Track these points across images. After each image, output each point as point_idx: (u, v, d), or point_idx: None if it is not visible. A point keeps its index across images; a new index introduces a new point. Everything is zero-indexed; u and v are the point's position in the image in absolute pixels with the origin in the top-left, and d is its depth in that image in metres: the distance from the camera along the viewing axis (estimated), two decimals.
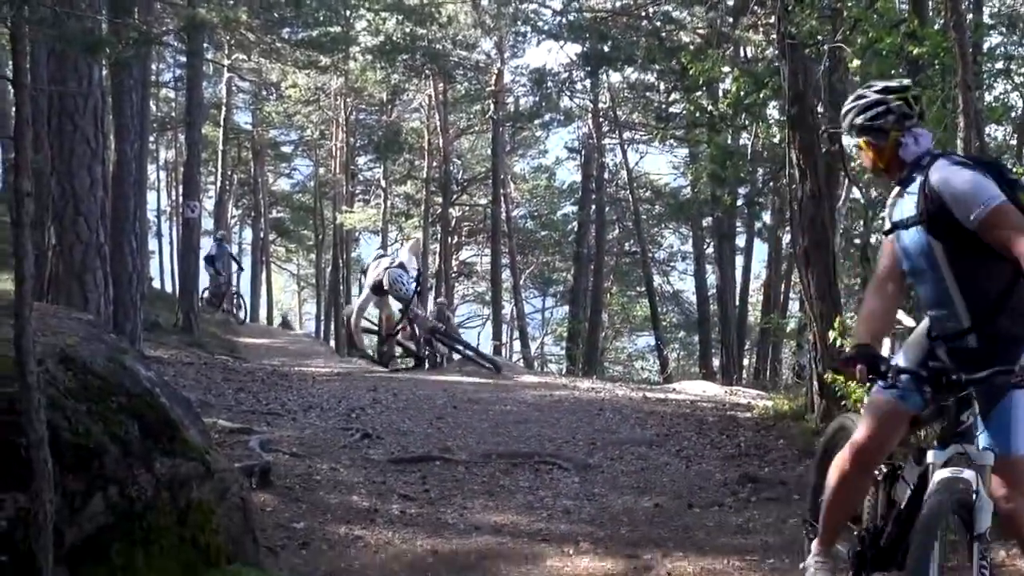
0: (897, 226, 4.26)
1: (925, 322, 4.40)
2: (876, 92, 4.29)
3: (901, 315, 4.66)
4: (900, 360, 4.32)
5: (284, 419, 9.84)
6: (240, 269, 28.46)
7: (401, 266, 16.23)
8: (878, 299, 4.39)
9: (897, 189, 4.30)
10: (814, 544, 4.69)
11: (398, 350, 17.04)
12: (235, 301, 27.77)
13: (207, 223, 36.49)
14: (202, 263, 24.37)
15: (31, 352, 4.19)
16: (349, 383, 12.92)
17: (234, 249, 38.05)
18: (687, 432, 10.07)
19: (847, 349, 4.30)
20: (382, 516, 6.87)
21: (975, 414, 3.98)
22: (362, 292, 17.39)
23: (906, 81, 4.43)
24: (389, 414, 10.48)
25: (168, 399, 5.21)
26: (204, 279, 25.87)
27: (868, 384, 4.34)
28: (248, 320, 27.88)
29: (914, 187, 4.14)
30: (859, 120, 4.30)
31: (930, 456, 4.06)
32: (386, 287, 16.00)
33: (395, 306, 16.69)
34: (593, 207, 36.45)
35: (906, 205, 4.20)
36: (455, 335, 19.88)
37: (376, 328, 17.30)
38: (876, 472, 4.47)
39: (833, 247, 9.96)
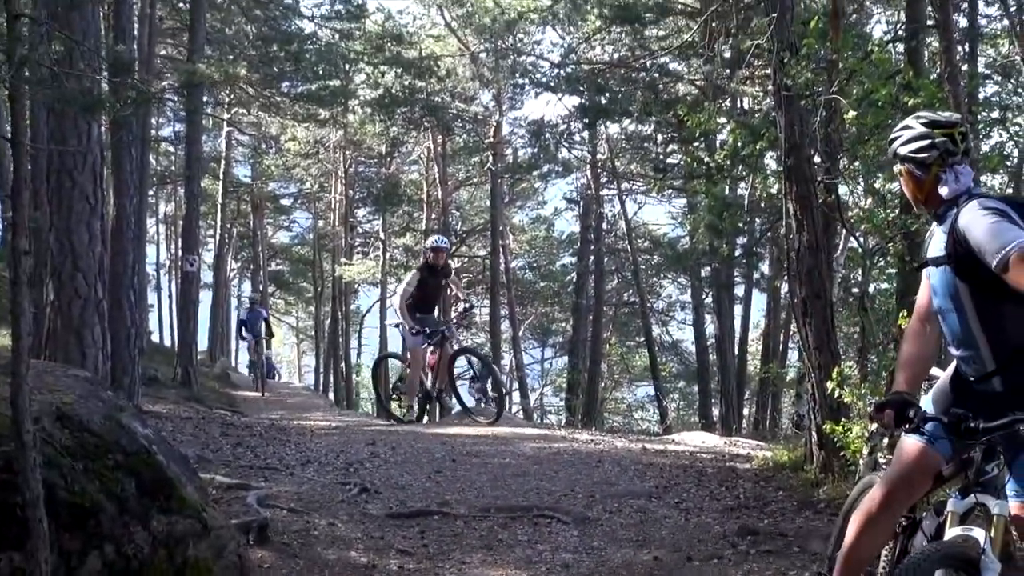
0: (928, 263, 4.25)
1: (951, 367, 4.39)
2: (923, 125, 4.25)
3: (935, 370, 4.62)
4: (929, 407, 4.32)
5: (282, 474, 9.81)
6: (270, 335, 27.38)
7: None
8: (914, 344, 4.39)
9: (934, 225, 4.31)
10: None
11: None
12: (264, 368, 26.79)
13: (206, 276, 36.56)
14: (233, 329, 24.86)
15: (27, 411, 4.20)
16: (347, 437, 12.88)
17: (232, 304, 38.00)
18: (686, 484, 10.03)
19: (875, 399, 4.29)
20: (380, 572, 6.83)
21: (1000, 465, 3.95)
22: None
23: (955, 116, 4.39)
24: (387, 468, 10.44)
25: (165, 456, 5.21)
26: (230, 340, 26.07)
27: (896, 432, 4.30)
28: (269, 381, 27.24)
29: (946, 226, 4.12)
30: (903, 150, 4.28)
31: (949, 505, 4.03)
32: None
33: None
34: (592, 257, 36.54)
35: (937, 243, 4.19)
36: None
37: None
38: (896, 524, 4.46)
39: (831, 297, 9.97)
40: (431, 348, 15.18)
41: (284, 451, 11.36)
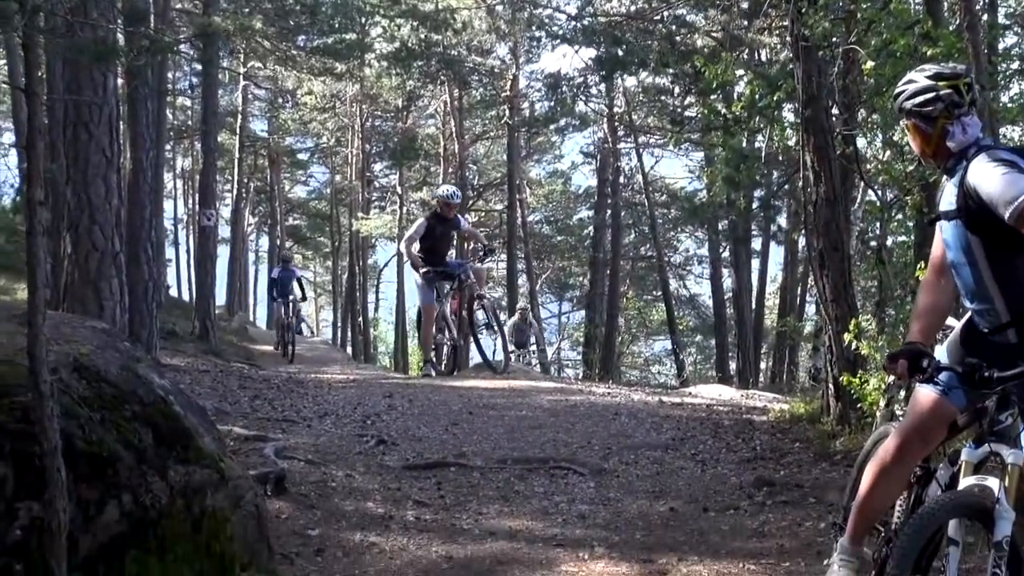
0: (940, 217, 4.22)
1: (965, 318, 4.36)
2: (927, 78, 4.20)
3: (951, 320, 4.60)
4: (943, 357, 4.29)
5: (299, 426, 9.85)
6: (303, 297, 26.09)
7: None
8: (930, 294, 4.38)
9: (944, 178, 4.27)
10: (840, 542, 4.65)
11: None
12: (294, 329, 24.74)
13: (224, 231, 36.63)
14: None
15: (44, 361, 4.21)
16: (364, 390, 12.92)
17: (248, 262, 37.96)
18: (703, 436, 10.05)
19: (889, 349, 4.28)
20: (397, 522, 6.87)
21: (1015, 414, 3.95)
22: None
23: (960, 68, 4.32)
24: (404, 420, 10.48)
25: (182, 407, 5.22)
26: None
27: (910, 381, 4.29)
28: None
29: (956, 179, 4.09)
30: (908, 104, 4.23)
31: (963, 454, 4.04)
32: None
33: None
34: (609, 211, 36.47)
35: (948, 196, 4.15)
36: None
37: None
38: (911, 474, 4.46)
39: (848, 250, 9.93)
40: (450, 293, 15.14)
41: (302, 404, 11.41)
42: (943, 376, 4.10)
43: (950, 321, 4.57)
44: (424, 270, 14.68)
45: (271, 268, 34.56)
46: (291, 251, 26.81)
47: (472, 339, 15.87)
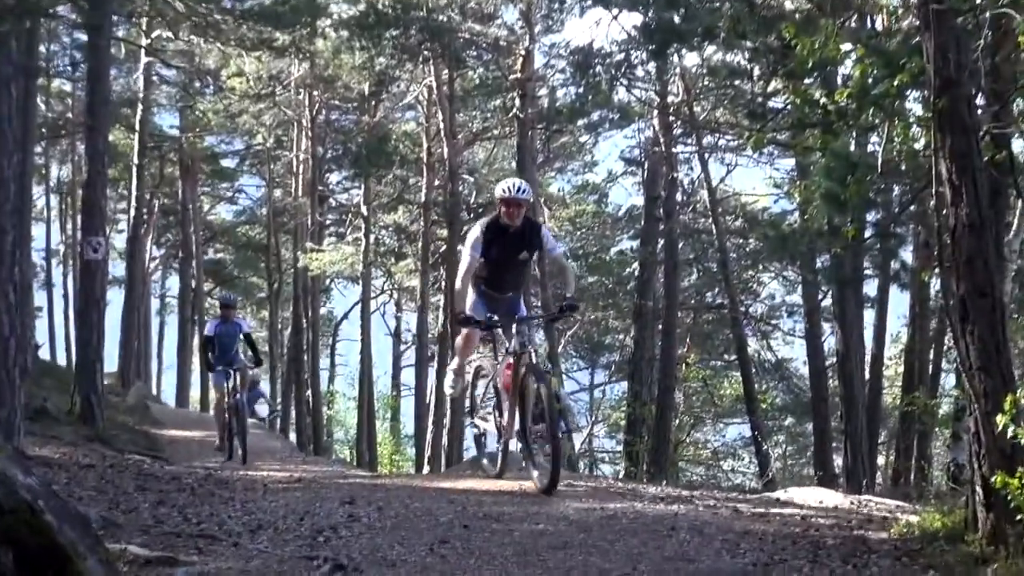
0: None
1: None
2: None
3: None
4: None
5: (222, 544, 9.81)
6: (256, 362, 24.38)
7: None
8: None
9: None
10: None
11: None
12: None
13: (117, 267, 36.69)
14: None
15: None
16: (315, 493, 12.89)
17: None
18: (796, 560, 9.98)
19: None
20: None
21: None
22: None
23: None
24: (372, 536, 10.42)
25: (56, 517, 5.20)
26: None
27: None
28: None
29: None
30: None
31: None
32: None
33: None
34: (661, 242, 36.47)
35: None
36: None
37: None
38: None
39: (1001, 296, 9.90)
40: (504, 359, 13.67)
41: (226, 512, 11.37)
42: None
43: None
44: (465, 315, 13.52)
45: (193, 317, 34.50)
46: (231, 296, 23.97)
47: (521, 435, 13.77)
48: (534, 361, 13.30)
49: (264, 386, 44.53)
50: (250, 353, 23.35)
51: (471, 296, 13.72)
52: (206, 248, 50.20)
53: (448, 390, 15.18)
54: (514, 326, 13.38)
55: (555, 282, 14.61)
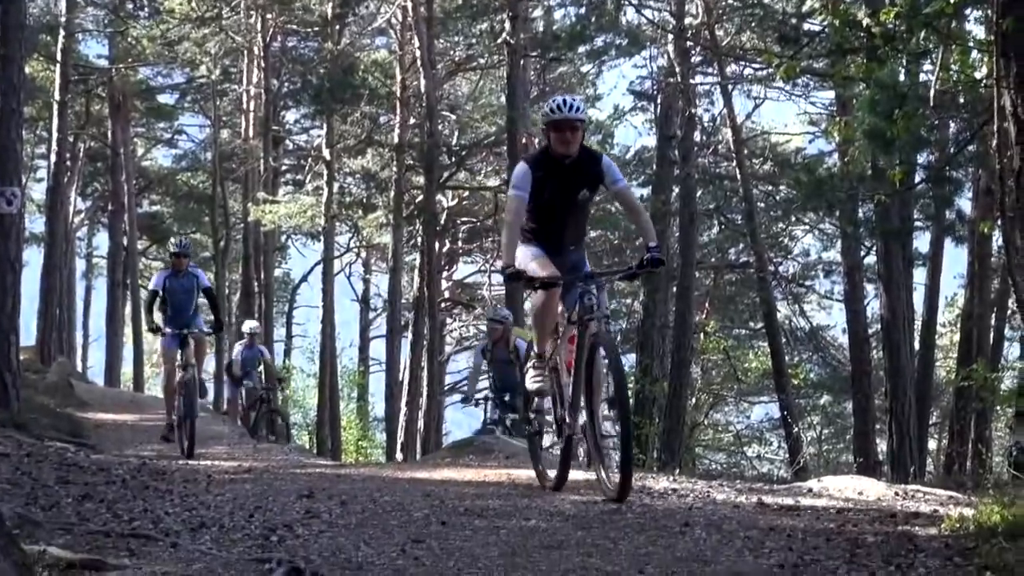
0: None
1: None
2: None
3: None
4: None
5: (159, 546, 9.81)
6: (217, 325, 22.89)
7: None
8: None
9: None
10: None
11: None
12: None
13: (34, 223, 36.60)
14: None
15: None
16: (268, 485, 12.91)
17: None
18: (831, 562, 10.00)
19: None
20: None
21: None
22: None
23: None
24: (333, 535, 10.42)
25: None
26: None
27: None
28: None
29: None
30: None
31: None
32: None
33: None
34: (676, 189, 36.46)
35: None
36: None
37: None
38: None
39: None
40: (569, 324, 12.62)
41: (162, 508, 11.38)
42: None
43: None
44: (515, 268, 12.22)
45: (125, 281, 34.35)
46: (186, 242, 22.28)
47: (590, 427, 12.70)
48: (604, 331, 12.09)
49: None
50: (211, 316, 22.40)
51: (525, 249, 12.51)
52: (140, 200, 50.12)
53: (533, 384, 13.18)
54: (579, 286, 12.24)
55: (633, 221, 12.12)
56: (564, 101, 12.16)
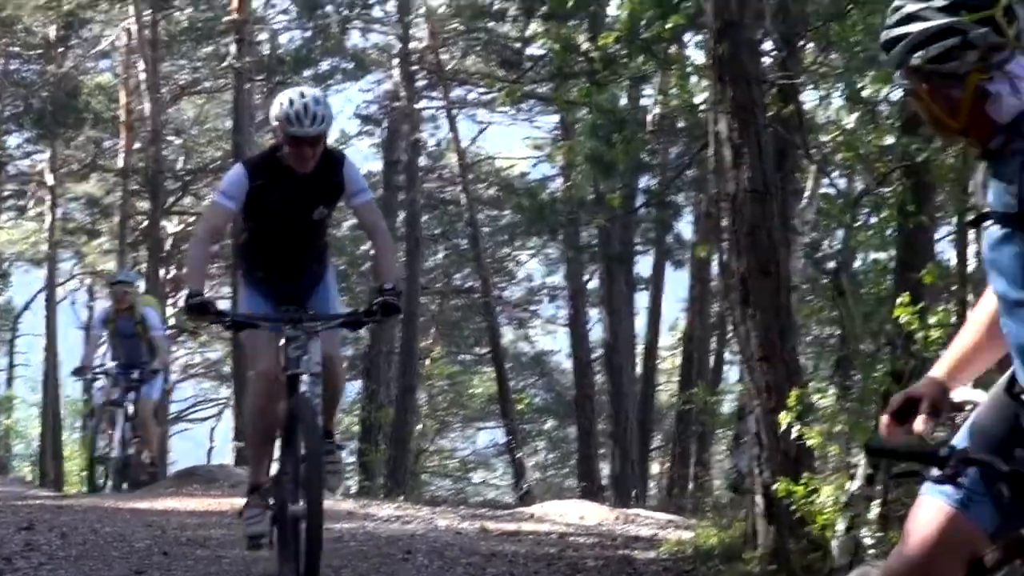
0: (983, 219, 4.09)
1: (1000, 384, 4.26)
2: (939, 10, 3.95)
3: (969, 392, 4.48)
4: (963, 438, 4.19)
5: None
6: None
7: None
8: (977, 324, 4.30)
9: (984, 165, 4.16)
10: None
11: None
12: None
13: None
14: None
15: None
16: None
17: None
18: None
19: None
20: None
21: None
22: None
23: None
24: (53, 568, 10.19)
25: None
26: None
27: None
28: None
29: (1012, 167, 3.93)
30: (917, 59, 4.02)
31: None
32: None
33: None
34: (402, 214, 36.46)
35: (997, 192, 3.99)
36: None
37: None
38: None
39: (787, 274, 10.00)
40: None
41: None
42: (969, 472, 3.99)
43: (970, 393, 4.49)
44: (202, 299, 9.18)
45: None
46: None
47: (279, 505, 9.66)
48: (304, 400, 9.17)
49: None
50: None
51: (242, 288, 10.36)
52: None
53: (249, 529, 9.56)
54: (285, 329, 9.19)
55: (378, 259, 10.17)
56: (305, 109, 8.93)
